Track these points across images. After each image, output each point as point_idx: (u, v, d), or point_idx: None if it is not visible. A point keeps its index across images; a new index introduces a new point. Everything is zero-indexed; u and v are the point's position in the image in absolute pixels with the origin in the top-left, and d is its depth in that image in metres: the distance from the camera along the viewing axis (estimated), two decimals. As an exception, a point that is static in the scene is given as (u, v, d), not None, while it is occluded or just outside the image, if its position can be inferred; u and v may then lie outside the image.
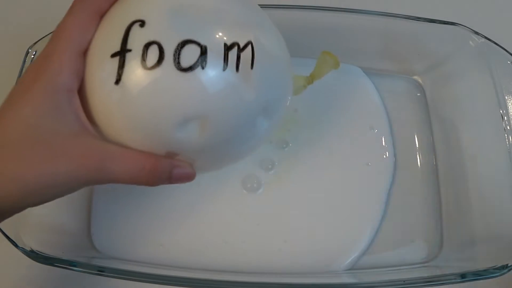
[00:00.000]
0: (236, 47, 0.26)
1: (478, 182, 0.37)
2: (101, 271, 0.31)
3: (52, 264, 0.31)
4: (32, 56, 0.36)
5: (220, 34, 0.26)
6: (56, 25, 0.26)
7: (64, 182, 0.24)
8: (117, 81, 0.24)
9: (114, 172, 0.25)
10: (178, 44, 0.24)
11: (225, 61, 0.25)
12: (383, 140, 0.41)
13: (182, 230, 0.38)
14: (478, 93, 0.38)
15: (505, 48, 0.36)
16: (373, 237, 0.38)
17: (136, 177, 0.26)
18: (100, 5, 0.26)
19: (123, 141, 0.26)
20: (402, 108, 0.42)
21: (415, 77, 0.43)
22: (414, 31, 0.39)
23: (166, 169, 0.27)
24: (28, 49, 0.36)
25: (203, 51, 0.25)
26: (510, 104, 0.35)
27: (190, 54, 0.24)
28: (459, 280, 0.31)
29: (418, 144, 0.41)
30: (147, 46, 0.24)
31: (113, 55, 0.25)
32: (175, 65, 0.24)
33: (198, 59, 0.24)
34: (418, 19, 0.38)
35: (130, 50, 0.24)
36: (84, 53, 0.26)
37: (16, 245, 0.31)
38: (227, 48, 0.25)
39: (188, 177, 0.28)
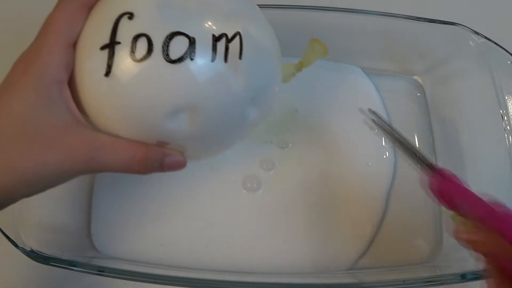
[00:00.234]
0: (224, 38, 0.26)
1: (478, 182, 0.36)
2: (101, 271, 0.31)
3: (52, 264, 0.31)
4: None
5: (209, 25, 0.26)
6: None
7: (54, 173, 0.25)
8: (107, 73, 0.25)
9: (106, 161, 0.25)
10: (167, 36, 0.25)
11: (214, 52, 0.25)
12: (383, 140, 0.41)
13: (182, 230, 0.38)
14: (478, 93, 0.38)
15: (505, 48, 0.36)
16: (373, 237, 0.38)
17: (128, 166, 0.26)
18: None
19: (115, 131, 0.26)
20: (402, 108, 0.42)
21: (415, 77, 0.43)
22: (414, 31, 0.39)
23: (157, 157, 0.27)
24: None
25: (192, 43, 0.25)
26: (510, 104, 0.35)
27: (178, 46, 0.25)
28: (459, 280, 0.31)
29: (418, 144, 0.41)
30: (136, 38, 0.24)
31: (102, 48, 0.25)
32: (164, 56, 0.24)
33: (186, 51, 0.25)
34: (418, 19, 0.38)
35: (119, 43, 0.25)
36: (73, 45, 0.26)
37: (16, 245, 0.31)
38: (216, 39, 0.25)
39: (179, 165, 0.28)
